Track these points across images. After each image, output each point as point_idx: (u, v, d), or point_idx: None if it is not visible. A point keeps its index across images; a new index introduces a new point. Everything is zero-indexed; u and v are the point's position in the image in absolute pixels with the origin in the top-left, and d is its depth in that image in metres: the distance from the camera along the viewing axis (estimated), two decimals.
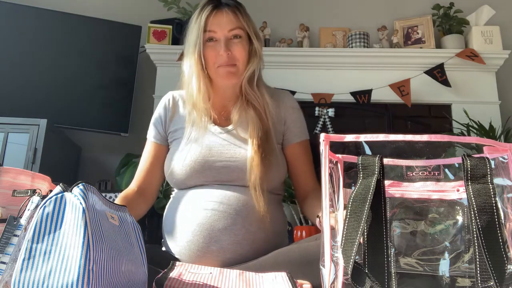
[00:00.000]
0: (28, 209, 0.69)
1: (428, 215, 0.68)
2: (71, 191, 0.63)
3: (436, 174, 0.69)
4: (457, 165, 0.68)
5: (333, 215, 0.67)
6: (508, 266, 0.57)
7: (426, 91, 2.52)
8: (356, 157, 0.67)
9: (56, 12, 2.49)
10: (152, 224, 2.10)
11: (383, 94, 2.49)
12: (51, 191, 0.65)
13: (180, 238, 1.04)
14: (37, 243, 0.58)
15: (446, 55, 2.51)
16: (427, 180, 0.69)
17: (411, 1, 2.82)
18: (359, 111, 2.53)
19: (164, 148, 1.19)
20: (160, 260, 0.89)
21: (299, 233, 1.94)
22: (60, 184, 0.64)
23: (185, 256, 1.02)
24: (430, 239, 0.67)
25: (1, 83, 2.32)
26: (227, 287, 0.76)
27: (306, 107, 2.43)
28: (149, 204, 1.19)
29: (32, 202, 0.70)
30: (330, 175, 0.68)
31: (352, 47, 2.61)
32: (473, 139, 0.67)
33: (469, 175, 0.62)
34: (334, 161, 0.70)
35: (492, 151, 0.65)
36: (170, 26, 2.62)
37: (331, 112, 2.47)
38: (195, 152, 1.09)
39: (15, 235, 0.69)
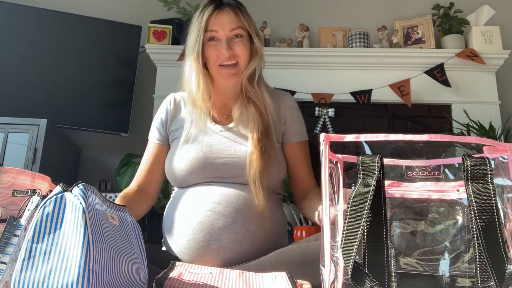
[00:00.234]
0: (28, 209, 0.69)
1: (428, 215, 0.68)
2: (71, 191, 0.63)
3: (436, 174, 0.69)
4: (457, 165, 0.68)
5: (333, 209, 0.66)
6: (508, 266, 0.57)
7: (426, 91, 2.52)
8: (356, 157, 0.67)
9: (56, 12, 2.49)
10: (152, 224, 2.10)
11: (383, 94, 2.49)
12: (51, 191, 0.65)
13: (181, 237, 1.04)
14: (37, 243, 0.58)
15: (446, 55, 2.51)
16: (427, 180, 0.69)
17: (411, 1, 2.82)
18: (359, 111, 2.53)
19: (165, 148, 1.20)
20: (160, 260, 0.89)
21: (299, 233, 1.94)
22: (60, 184, 0.64)
23: (185, 255, 1.02)
24: (430, 239, 0.67)
25: (1, 83, 2.32)
26: (227, 287, 0.76)
27: (306, 107, 2.44)
28: (150, 203, 1.19)
29: (32, 202, 0.70)
30: (330, 175, 0.68)
31: (352, 47, 2.61)
32: (473, 139, 0.67)
33: (469, 175, 0.62)
34: (334, 161, 0.70)
35: (492, 151, 0.65)
36: (170, 26, 2.62)
37: (331, 112, 2.47)
38: (196, 150, 1.09)
39: (15, 235, 0.69)
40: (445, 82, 2.47)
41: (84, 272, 0.56)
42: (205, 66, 1.15)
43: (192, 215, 1.04)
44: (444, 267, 0.66)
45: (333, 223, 0.66)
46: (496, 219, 0.58)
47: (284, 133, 1.20)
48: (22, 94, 2.34)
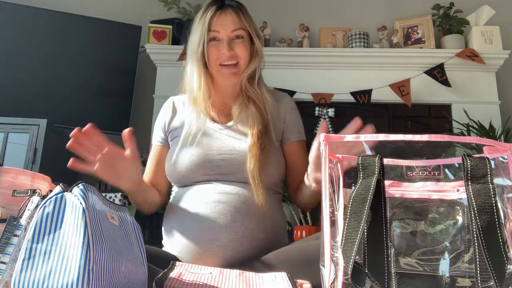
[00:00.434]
0: (28, 209, 0.69)
1: (428, 215, 0.68)
2: (71, 191, 0.63)
3: (436, 174, 0.69)
4: (457, 165, 0.68)
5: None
6: (508, 266, 0.57)
7: (426, 91, 2.52)
8: (356, 157, 0.67)
9: (56, 12, 2.49)
10: (152, 224, 2.10)
11: (383, 94, 2.50)
12: (51, 191, 0.65)
13: (181, 236, 1.04)
14: (37, 243, 0.58)
15: (446, 55, 2.52)
16: (427, 180, 0.69)
17: (411, 1, 2.82)
18: (359, 111, 2.53)
19: (167, 149, 1.22)
20: (160, 260, 0.89)
21: (299, 233, 1.95)
22: (60, 184, 0.64)
23: (186, 254, 1.03)
24: (430, 239, 0.67)
25: (1, 83, 2.32)
26: (227, 287, 0.76)
27: (306, 107, 2.44)
28: (163, 196, 1.22)
29: (32, 202, 0.70)
30: (330, 175, 0.68)
31: (352, 47, 2.61)
32: (473, 139, 0.66)
33: (469, 175, 0.62)
34: (334, 161, 0.70)
35: (492, 151, 0.65)
36: (170, 26, 2.62)
37: (331, 112, 2.47)
38: (195, 147, 1.11)
39: (15, 235, 0.70)
40: (445, 82, 2.47)
41: (84, 272, 0.56)
42: (205, 65, 1.16)
43: (192, 215, 1.04)
44: (444, 267, 0.66)
45: (333, 223, 0.66)
46: (496, 219, 0.58)
47: (283, 132, 1.21)
48: (22, 94, 2.34)
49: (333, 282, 0.62)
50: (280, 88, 2.40)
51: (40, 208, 0.61)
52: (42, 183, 0.90)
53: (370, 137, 0.67)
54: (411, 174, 0.70)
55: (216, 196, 1.05)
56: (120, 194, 2.01)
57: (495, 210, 0.59)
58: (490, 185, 0.61)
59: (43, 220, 0.60)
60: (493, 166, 0.63)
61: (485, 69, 2.54)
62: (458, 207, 0.67)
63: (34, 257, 0.58)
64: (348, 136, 0.69)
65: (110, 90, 2.49)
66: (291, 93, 2.46)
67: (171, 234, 1.08)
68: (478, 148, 0.72)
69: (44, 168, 1.98)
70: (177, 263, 0.85)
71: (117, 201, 2.00)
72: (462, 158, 0.63)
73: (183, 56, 2.44)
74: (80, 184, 0.64)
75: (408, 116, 2.55)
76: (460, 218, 0.67)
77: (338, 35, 2.73)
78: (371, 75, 2.56)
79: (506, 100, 2.58)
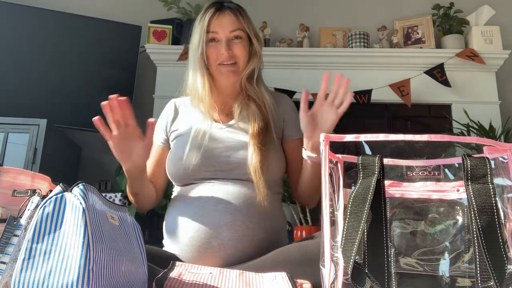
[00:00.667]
0: (28, 209, 0.69)
1: (428, 215, 0.68)
2: (71, 191, 0.63)
3: (436, 174, 0.69)
4: (457, 165, 0.68)
5: None
6: (508, 266, 0.57)
7: (426, 91, 2.52)
8: (356, 157, 0.67)
9: (56, 12, 2.49)
10: (152, 224, 2.10)
11: (383, 94, 2.49)
12: (51, 191, 0.65)
13: (182, 235, 1.05)
14: (37, 243, 0.58)
15: (446, 55, 2.51)
16: (427, 180, 0.69)
17: (411, 1, 2.82)
18: (359, 111, 2.53)
19: (167, 150, 1.23)
20: (160, 260, 0.89)
21: (299, 233, 1.95)
22: (60, 184, 0.64)
23: (187, 253, 1.03)
24: (430, 239, 0.67)
25: (1, 83, 2.32)
26: (227, 287, 0.76)
27: None
28: (159, 196, 1.23)
29: (32, 202, 0.70)
30: (330, 175, 0.68)
31: (352, 47, 2.61)
32: (473, 139, 0.66)
33: (469, 175, 0.62)
34: (334, 161, 0.70)
35: (492, 151, 0.65)
36: (170, 26, 2.62)
37: None
38: (197, 144, 1.12)
39: (15, 235, 0.70)
40: (445, 82, 2.47)
41: (84, 272, 0.56)
42: (206, 66, 1.18)
43: (193, 214, 1.05)
44: (444, 267, 0.66)
45: (333, 223, 0.66)
46: (496, 219, 0.58)
47: (283, 130, 1.23)
48: (22, 94, 2.34)
49: (333, 282, 0.62)
50: (280, 88, 2.41)
51: (40, 208, 0.61)
52: (42, 183, 0.90)
53: (370, 137, 0.68)
54: (411, 174, 0.70)
55: (217, 195, 1.06)
56: (120, 194, 2.01)
57: (495, 210, 0.59)
58: (490, 185, 0.61)
59: (43, 220, 0.60)
60: (493, 166, 0.63)
61: (485, 69, 2.54)
62: (458, 207, 0.67)
63: (34, 257, 0.58)
64: (348, 136, 0.69)
65: (110, 90, 2.47)
66: (291, 93, 2.45)
67: (172, 233, 1.08)
68: (478, 148, 0.72)
69: (44, 168, 1.98)
70: (177, 263, 0.85)
71: (117, 201, 2.00)
72: (462, 158, 0.63)
73: (183, 56, 2.44)
74: (80, 184, 0.64)
75: (408, 116, 2.55)
76: (460, 218, 0.67)
77: (338, 35, 2.73)
78: (371, 75, 2.56)
79: (506, 100, 2.58)
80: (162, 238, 1.15)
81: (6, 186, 0.85)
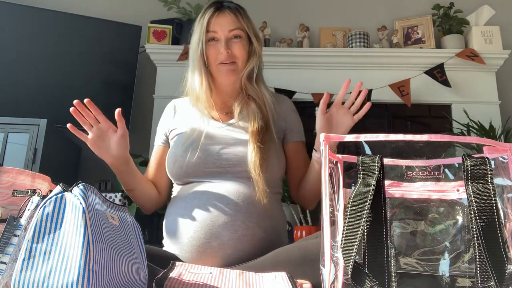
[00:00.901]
0: (28, 209, 0.69)
1: (428, 215, 0.68)
2: (71, 191, 0.63)
3: (436, 174, 0.69)
4: (457, 165, 0.68)
5: None
6: (508, 266, 0.57)
7: (426, 91, 2.52)
8: (356, 157, 0.67)
9: (56, 12, 2.49)
10: (152, 224, 2.10)
11: (383, 94, 2.49)
12: (51, 191, 0.65)
13: (182, 235, 1.05)
14: (37, 243, 0.58)
15: (446, 55, 2.51)
16: (427, 180, 0.69)
17: (411, 1, 2.82)
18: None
19: (168, 149, 1.23)
20: (160, 260, 0.89)
21: (299, 233, 1.95)
22: (60, 184, 0.64)
23: (187, 252, 1.03)
24: (430, 239, 0.67)
25: (1, 83, 2.32)
26: (227, 287, 0.76)
27: (306, 107, 2.44)
28: (163, 196, 1.24)
29: (32, 202, 0.70)
30: (330, 175, 0.68)
31: (352, 47, 2.61)
32: (473, 139, 0.66)
33: (469, 175, 0.62)
34: (334, 161, 0.70)
35: (492, 151, 0.65)
36: (170, 26, 2.62)
37: None
38: (196, 142, 1.12)
39: (15, 235, 0.69)
40: (445, 82, 2.47)
41: (84, 272, 0.56)
42: (206, 65, 1.19)
43: (193, 213, 1.05)
44: (444, 267, 0.66)
45: (333, 223, 0.66)
46: (496, 219, 0.58)
47: (285, 131, 1.23)
48: (22, 94, 2.34)
49: (333, 282, 0.62)
50: (280, 88, 2.41)
51: (40, 208, 0.61)
52: (42, 183, 0.90)
53: (370, 137, 0.68)
54: (411, 174, 0.70)
55: (217, 195, 1.06)
56: (120, 194, 2.01)
57: (495, 210, 0.59)
58: (490, 185, 0.61)
59: (43, 220, 0.60)
60: (493, 166, 0.63)
61: (485, 69, 2.54)
62: (458, 207, 0.67)
63: (34, 257, 0.58)
64: (348, 136, 0.69)
65: (110, 90, 2.48)
66: (291, 93, 2.46)
67: (172, 233, 1.08)
68: (478, 148, 0.72)
69: (44, 168, 1.98)
70: (177, 263, 0.85)
71: (117, 201, 2.00)
72: (462, 158, 0.63)
73: (183, 56, 2.44)
74: (80, 184, 0.64)
75: (408, 116, 2.55)
76: (460, 218, 0.67)
77: (338, 35, 2.73)
78: (371, 75, 2.56)
79: (506, 100, 2.58)
80: (162, 238, 1.15)
81: (6, 186, 0.84)
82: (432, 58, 2.53)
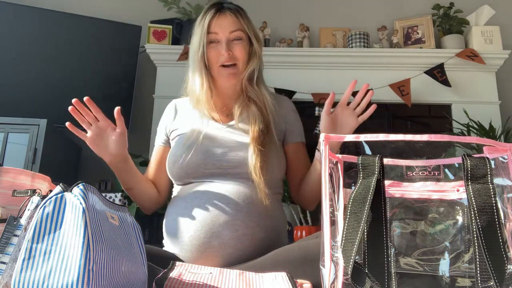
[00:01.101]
0: (28, 209, 0.69)
1: (428, 215, 0.68)
2: (71, 191, 0.63)
3: (436, 174, 0.69)
4: (457, 165, 0.68)
5: None
6: (508, 266, 0.57)
7: (426, 91, 2.52)
8: (356, 157, 0.67)
9: (56, 12, 2.49)
10: (152, 224, 2.10)
11: (383, 94, 2.49)
12: (51, 191, 0.65)
13: (182, 235, 1.05)
14: (37, 243, 0.58)
15: (446, 55, 2.51)
16: (427, 180, 0.69)
17: (411, 1, 2.82)
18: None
19: (168, 150, 1.23)
20: (160, 260, 0.89)
21: (299, 233, 1.95)
22: (60, 184, 0.64)
23: (187, 252, 1.04)
24: (430, 239, 0.67)
25: (1, 83, 2.32)
26: (227, 287, 0.76)
27: (306, 107, 2.44)
28: (163, 195, 1.24)
29: (32, 202, 0.70)
30: (330, 175, 0.68)
31: (352, 47, 2.61)
32: (473, 139, 0.66)
33: (469, 175, 0.62)
34: (334, 161, 0.70)
35: (492, 151, 0.65)
36: (170, 26, 2.62)
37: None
38: (196, 143, 1.12)
39: (15, 235, 0.69)
40: (445, 82, 2.47)
41: (84, 272, 0.56)
42: (206, 67, 1.18)
43: (193, 213, 1.05)
44: (444, 267, 0.66)
45: (333, 223, 0.66)
46: (496, 219, 0.58)
47: (285, 132, 1.23)
48: (22, 94, 2.34)
49: (333, 282, 0.62)
50: (280, 88, 2.41)
51: (40, 208, 0.61)
52: (42, 183, 0.90)
53: (370, 137, 0.68)
54: (411, 174, 0.70)
55: (217, 194, 1.06)
56: (120, 194, 2.01)
57: (495, 210, 0.59)
58: (490, 185, 0.61)
59: (43, 220, 0.60)
60: (493, 166, 0.63)
61: (485, 69, 2.54)
62: (458, 207, 0.67)
63: (34, 257, 0.58)
64: (348, 136, 0.69)
65: (110, 90, 2.48)
66: (291, 93, 2.46)
67: (172, 233, 1.08)
68: (478, 148, 0.72)
69: (44, 168, 1.98)
70: (177, 263, 0.85)
71: (117, 201, 2.00)
72: (462, 158, 0.63)
73: (183, 56, 2.44)
74: (80, 184, 0.64)
75: (408, 116, 2.55)
76: (460, 218, 0.67)
77: (338, 35, 2.73)
78: (371, 75, 2.56)
79: (506, 100, 2.58)
80: (162, 238, 1.15)
81: (6, 186, 0.84)
82: (432, 58, 2.53)
